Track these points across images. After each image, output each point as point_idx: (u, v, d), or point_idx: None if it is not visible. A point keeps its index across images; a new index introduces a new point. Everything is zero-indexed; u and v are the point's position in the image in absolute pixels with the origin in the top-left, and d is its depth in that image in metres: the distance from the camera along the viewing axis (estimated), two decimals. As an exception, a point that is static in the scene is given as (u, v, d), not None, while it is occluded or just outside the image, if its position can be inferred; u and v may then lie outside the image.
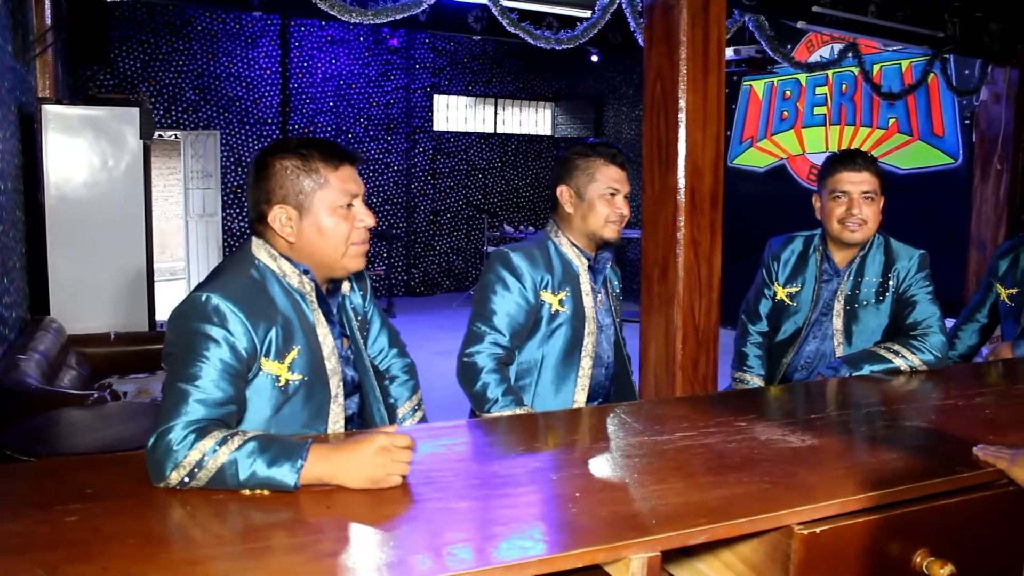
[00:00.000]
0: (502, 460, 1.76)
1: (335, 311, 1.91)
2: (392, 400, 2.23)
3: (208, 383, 1.57)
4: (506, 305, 2.40)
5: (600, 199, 2.44)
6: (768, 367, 2.91)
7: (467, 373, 2.39)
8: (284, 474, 1.45)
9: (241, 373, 1.64)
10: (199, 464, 1.45)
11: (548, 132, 13.27)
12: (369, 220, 1.82)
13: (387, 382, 2.23)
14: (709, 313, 3.48)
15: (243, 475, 1.45)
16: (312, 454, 1.47)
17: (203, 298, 1.64)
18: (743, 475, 1.58)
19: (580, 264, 2.51)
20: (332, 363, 1.83)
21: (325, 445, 1.51)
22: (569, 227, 2.51)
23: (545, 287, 2.44)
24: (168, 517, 1.41)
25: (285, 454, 1.47)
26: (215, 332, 1.61)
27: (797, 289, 2.82)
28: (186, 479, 1.46)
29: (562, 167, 2.52)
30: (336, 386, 1.84)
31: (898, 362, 2.56)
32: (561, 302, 2.45)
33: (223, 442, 1.48)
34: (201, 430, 1.50)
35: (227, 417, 1.59)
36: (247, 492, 1.46)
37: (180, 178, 11.64)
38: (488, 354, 2.37)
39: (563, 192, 2.49)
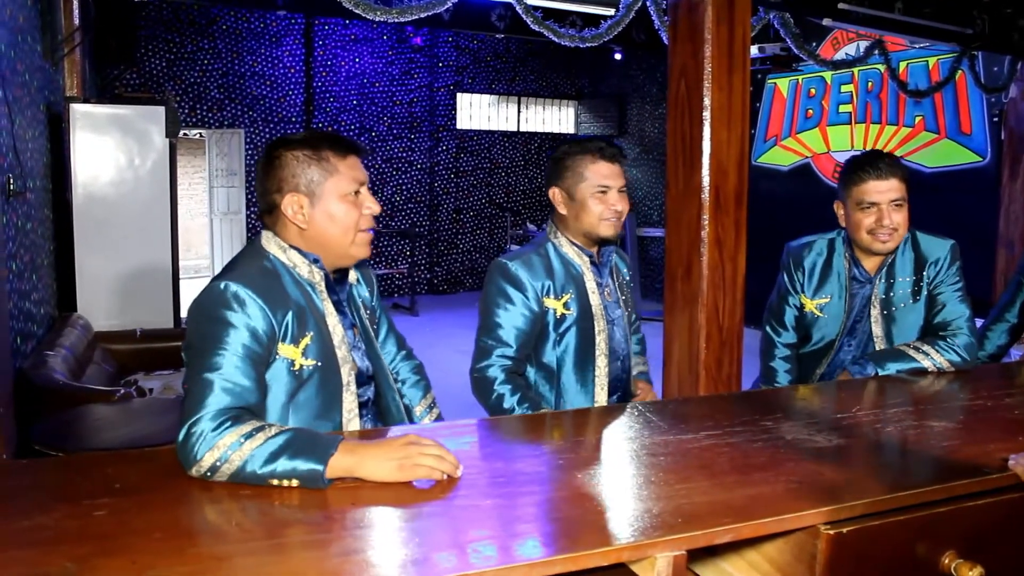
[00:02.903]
0: (526, 458, 1.75)
1: (344, 301, 1.96)
2: (406, 402, 2.26)
3: (231, 370, 1.60)
4: (510, 317, 2.38)
5: (592, 197, 2.40)
6: (800, 377, 2.82)
7: (480, 387, 2.39)
8: (314, 462, 1.46)
9: (262, 357, 1.68)
10: (233, 446, 1.48)
11: (571, 130, 13.25)
12: (375, 207, 1.89)
13: (399, 384, 2.26)
14: (733, 312, 3.46)
15: (275, 462, 1.47)
16: (342, 445, 1.50)
17: (221, 286, 1.69)
18: (769, 474, 1.57)
19: (582, 262, 2.48)
20: (343, 351, 1.87)
21: (354, 439, 1.56)
22: (566, 227, 2.49)
23: (547, 293, 2.41)
24: (195, 512, 1.43)
25: (317, 444, 1.50)
26: (235, 318, 1.65)
27: (826, 300, 2.71)
28: (218, 462, 1.47)
29: (552, 168, 2.49)
30: (348, 374, 1.87)
31: (925, 362, 2.52)
32: (566, 305, 2.42)
33: (260, 429, 1.51)
34: (235, 418, 1.53)
35: (254, 404, 1.62)
36: (275, 482, 1.47)
37: (205, 176, 11.73)
38: (499, 366, 2.36)
39: (555, 194, 2.47)
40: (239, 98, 10.52)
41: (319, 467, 1.46)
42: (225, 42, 10.37)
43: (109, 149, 5.43)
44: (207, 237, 11.39)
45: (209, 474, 1.49)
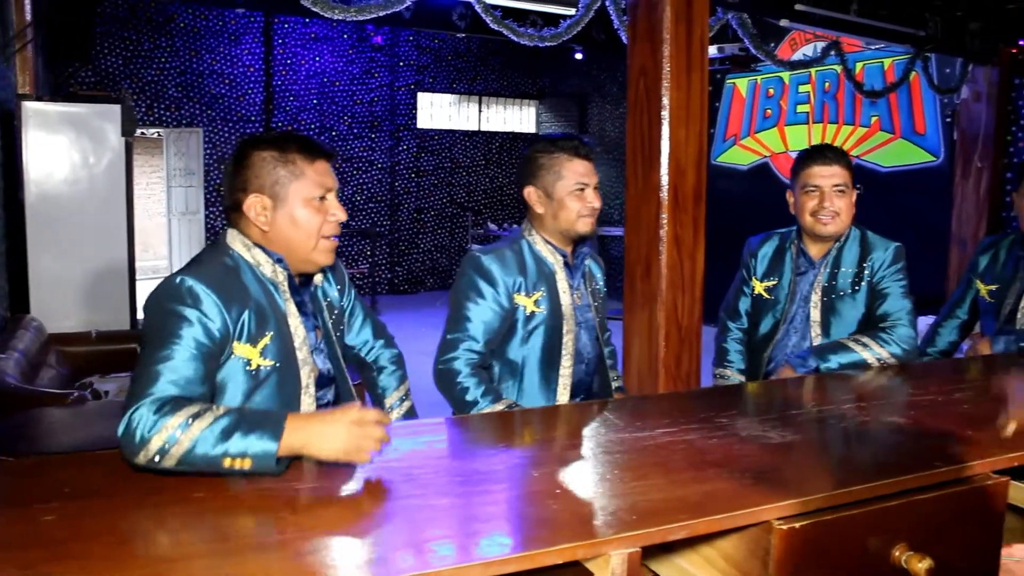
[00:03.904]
0: (483, 457, 1.76)
1: (307, 302, 1.93)
2: (380, 390, 2.27)
3: (180, 363, 1.58)
4: (480, 312, 2.37)
5: (569, 196, 2.41)
6: (751, 363, 2.91)
7: (444, 379, 2.37)
8: (267, 439, 1.46)
9: (214, 354, 1.66)
10: (181, 427, 1.45)
11: (532, 130, 13.27)
12: (341, 215, 1.87)
13: (375, 373, 2.26)
14: (692, 310, 3.49)
15: (227, 440, 1.45)
16: (289, 424, 1.49)
17: (177, 280, 1.67)
18: (723, 471, 1.59)
19: (555, 261, 2.48)
20: (303, 353, 1.85)
21: (300, 417, 1.53)
22: (542, 226, 2.48)
23: (519, 290, 2.40)
24: (146, 516, 1.40)
25: (267, 420, 1.49)
26: (188, 313, 1.63)
27: (774, 283, 2.84)
28: (167, 444, 1.45)
29: (527, 167, 2.47)
30: (307, 376, 1.85)
31: (866, 355, 2.58)
32: (537, 303, 2.42)
33: (198, 416, 1.48)
34: (174, 403, 1.50)
35: (199, 396, 1.59)
36: (228, 463, 1.45)
37: (162, 176, 11.58)
38: (464, 360, 2.35)
39: (531, 193, 2.45)
40: (197, 97, 10.40)
41: (272, 444, 1.46)
42: (183, 40, 10.25)
43: (63, 148, 5.32)
44: (165, 237, 11.24)
45: (157, 458, 1.45)
